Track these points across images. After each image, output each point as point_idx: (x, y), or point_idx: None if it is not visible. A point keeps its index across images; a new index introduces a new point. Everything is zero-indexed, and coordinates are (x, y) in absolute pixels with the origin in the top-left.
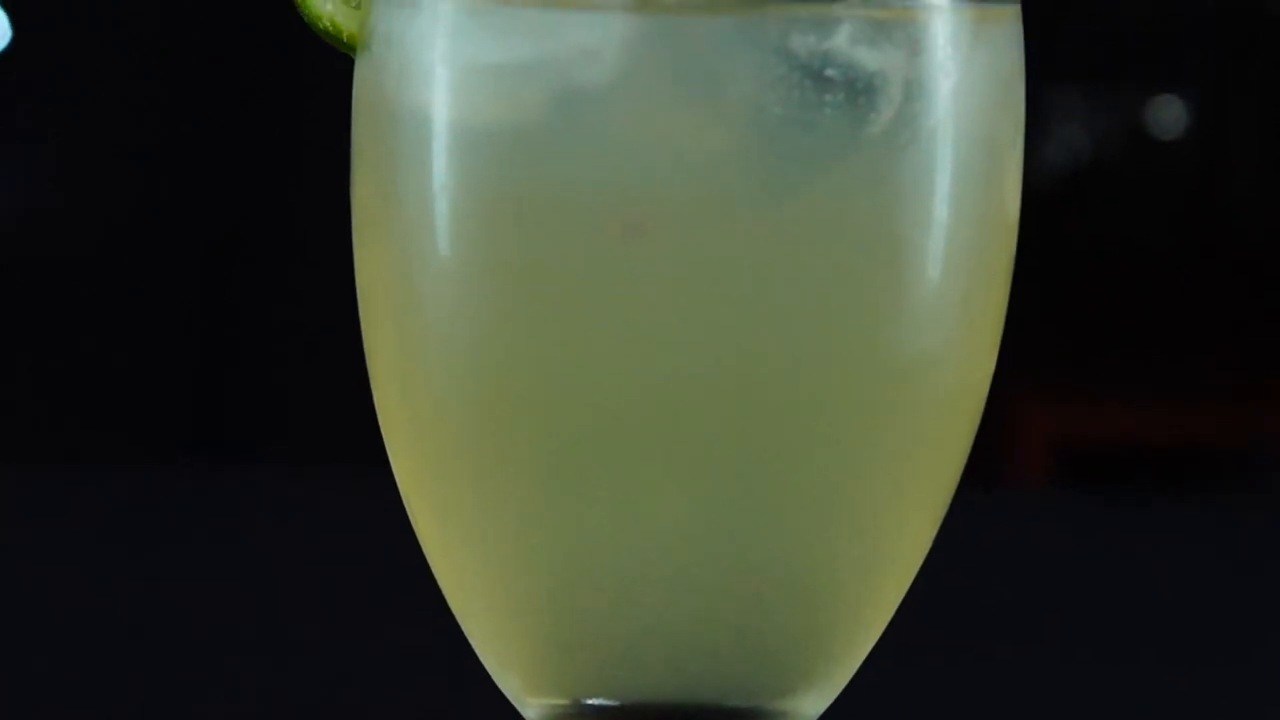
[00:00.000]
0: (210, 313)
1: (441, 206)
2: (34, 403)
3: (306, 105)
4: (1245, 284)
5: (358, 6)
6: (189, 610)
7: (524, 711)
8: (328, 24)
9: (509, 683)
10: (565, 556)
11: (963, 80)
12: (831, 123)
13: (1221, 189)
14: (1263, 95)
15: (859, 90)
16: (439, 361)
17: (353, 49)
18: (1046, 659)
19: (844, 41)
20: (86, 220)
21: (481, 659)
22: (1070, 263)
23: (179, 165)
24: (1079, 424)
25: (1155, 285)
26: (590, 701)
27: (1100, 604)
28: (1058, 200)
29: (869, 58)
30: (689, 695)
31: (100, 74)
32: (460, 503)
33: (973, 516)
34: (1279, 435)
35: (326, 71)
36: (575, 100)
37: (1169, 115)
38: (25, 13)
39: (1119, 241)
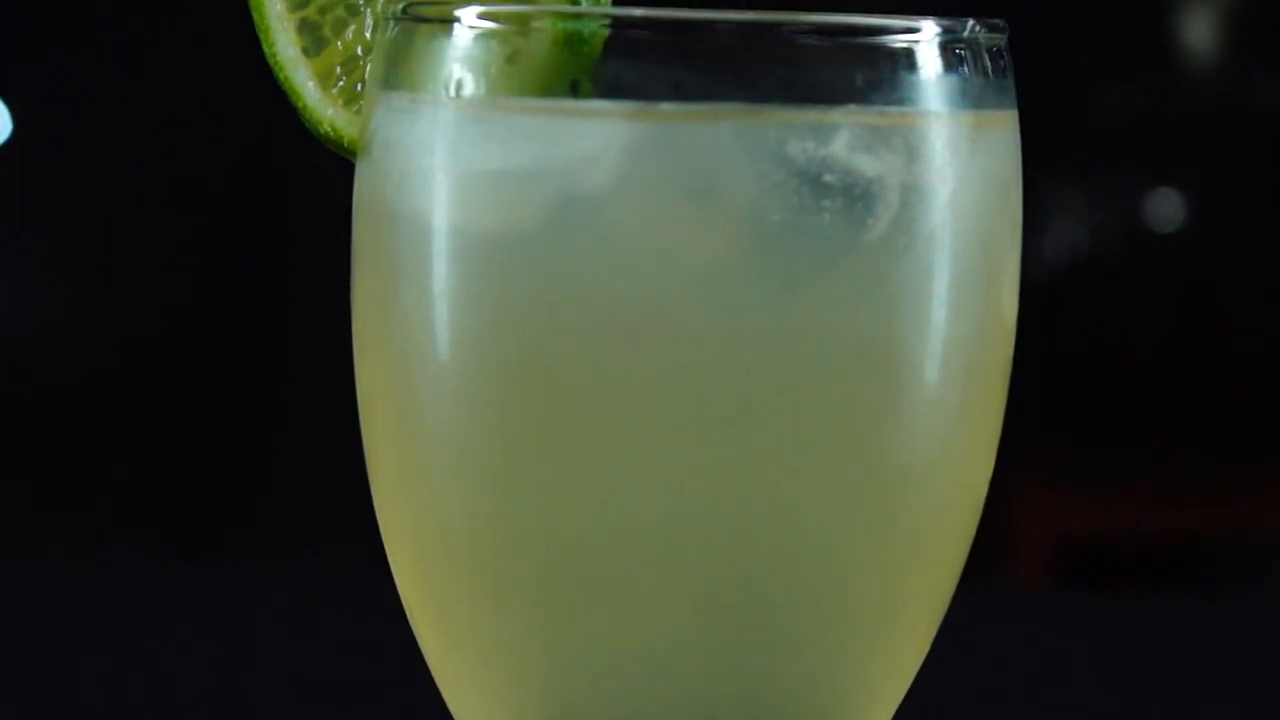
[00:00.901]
0: (210, 420)
1: (441, 311)
2: (34, 503)
3: (306, 209)
4: (1243, 379)
5: (358, 111)
6: (190, 711)
7: None
8: (328, 129)
9: None
10: (565, 663)
11: (960, 186)
12: (830, 228)
13: (1219, 283)
14: (1259, 189)
15: (857, 196)
16: (440, 467)
17: (353, 154)
18: None
19: (842, 147)
20: (86, 327)
21: None
22: (1068, 357)
23: (180, 268)
24: (1078, 519)
25: (1153, 380)
26: None
27: (1101, 701)
28: (1055, 294)
29: (867, 164)
30: None
31: (101, 176)
32: (460, 610)
33: (972, 615)
34: (1278, 530)
35: (327, 175)
36: (575, 206)
37: (1166, 209)
38: (26, 109)
39: (1117, 336)
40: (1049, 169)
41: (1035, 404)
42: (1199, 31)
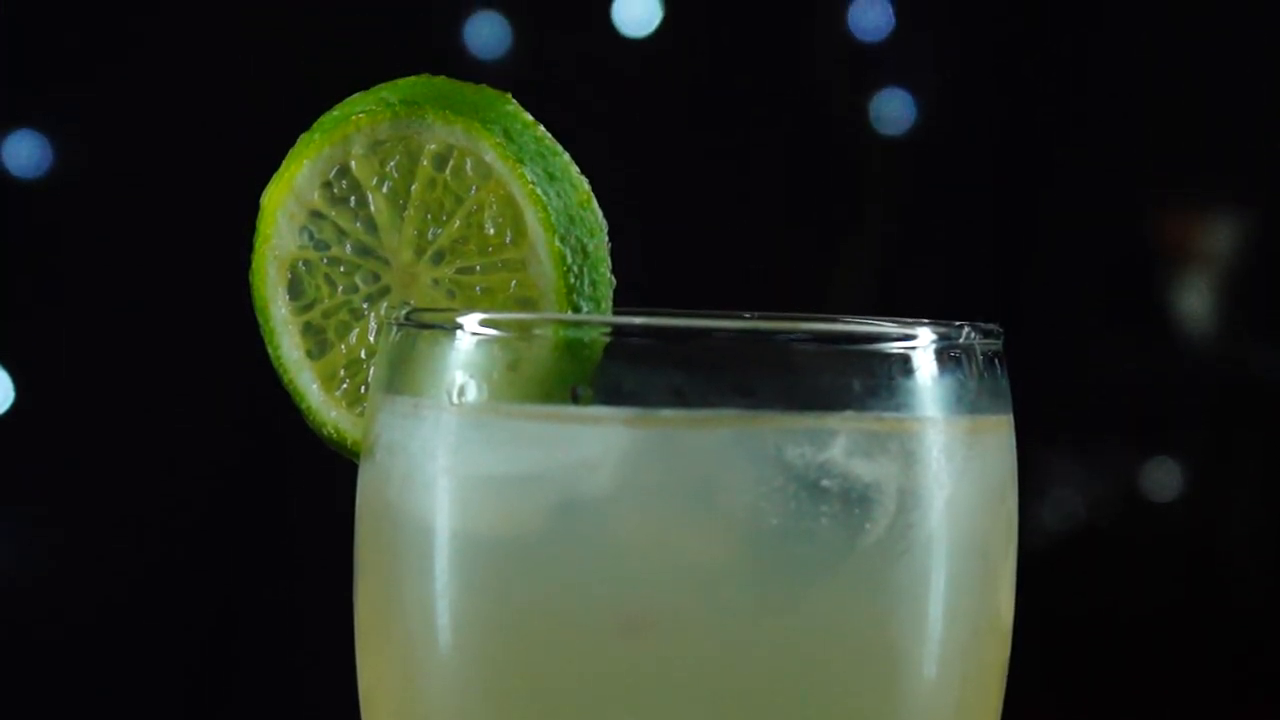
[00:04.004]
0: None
1: (443, 611)
2: None
3: (309, 509)
4: (1242, 646)
5: (361, 414)
6: None
7: None
8: (331, 430)
9: None
10: None
11: (957, 490)
12: (828, 533)
13: (1216, 552)
14: (1256, 457)
15: (854, 500)
16: None
17: (356, 455)
18: None
19: (840, 453)
20: (86, 590)
21: None
22: (1066, 624)
23: (181, 565)
24: None
25: (1151, 647)
26: None
27: None
28: (1053, 562)
29: (864, 469)
30: None
31: (106, 474)
32: None
33: None
34: None
35: (330, 476)
36: (575, 510)
37: (1163, 478)
38: (27, 376)
39: (1114, 603)
40: (1047, 437)
41: (1034, 671)
42: (1195, 302)
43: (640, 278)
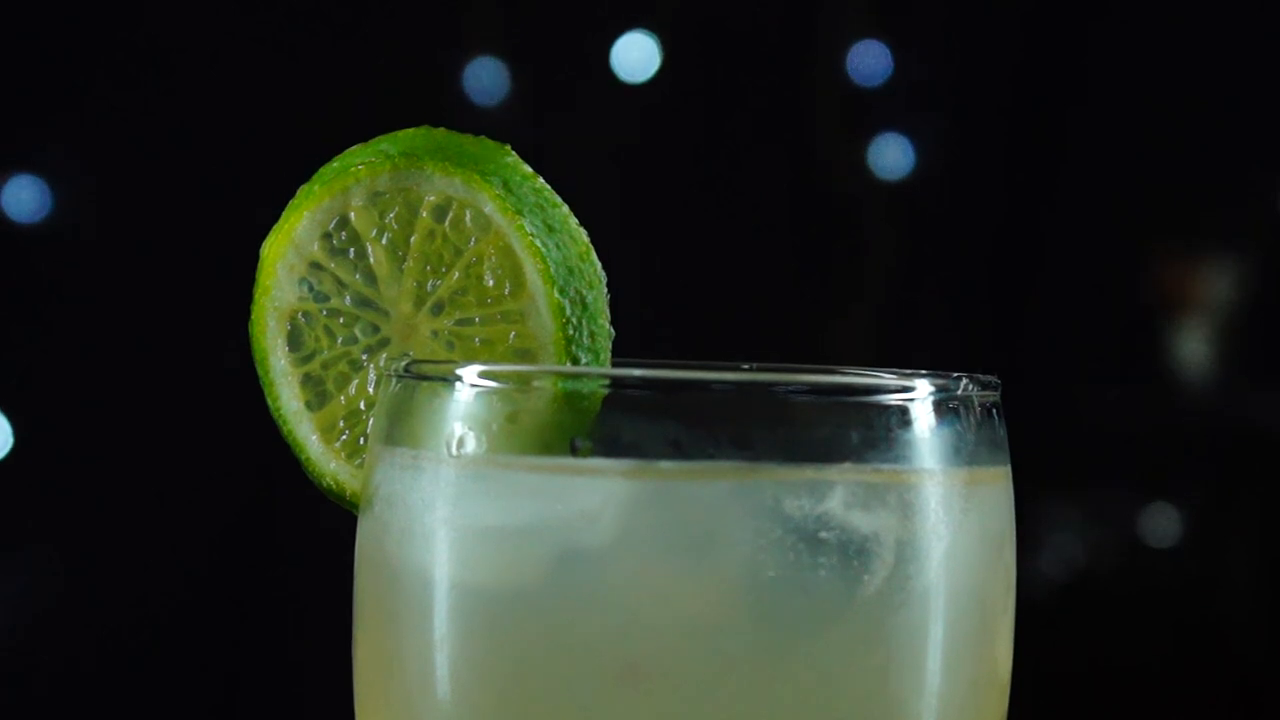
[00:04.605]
0: None
1: (442, 662)
2: None
3: (308, 560)
4: (1242, 694)
5: (360, 465)
6: None
7: None
8: (331, 481)
9: None
10: None
11: (955, 542)
12: (826, 584)
13: (1215, 599)
14: (1255, 504)
15: (853, 552)
16: None
17: (355, 506)
18: None
19: (838, 505)
20: (87, 635)
21: None
22: (1065, 671)
23: (180, 617)
24: None
25: (1150, 695)
26: None
27: None
28: (1053, 609)
29: (862, 520)
30: None
31: (105, 520)
32: None
33: None
34: None
35: (329, 527)
36: (574, 561)
37: (1163, 524)
38: (26, 423)
39: (1113, 650)
40: (1046, 484)
41: (1031, 718)
42: (1194, 349)
43: (638, 328)
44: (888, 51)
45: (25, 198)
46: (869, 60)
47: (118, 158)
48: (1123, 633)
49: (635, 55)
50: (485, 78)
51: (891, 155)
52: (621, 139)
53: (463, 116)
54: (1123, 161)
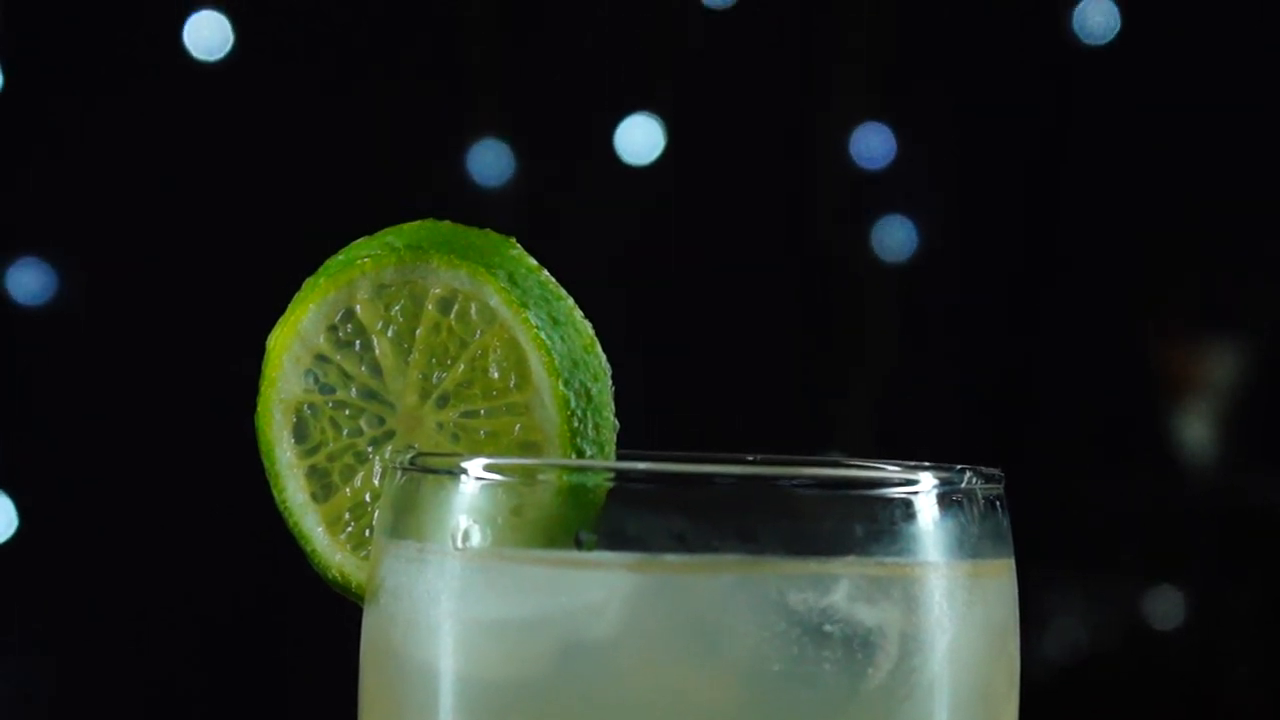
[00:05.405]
0: None
1: None
2: None
3: (313, 653)
4: None
5: (366, 557)
6: None
7: None
8: (336, 574)
9: None
10: None
11: (959, 635)
12: (830, 678)
13: (1218, 681)
14: (1259, 587)
15: (857, 646)
16: None
17: (361, 599)
18: None
19: (842, 598)
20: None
21: None
22: None
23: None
24: None
25: None
26: None
27: None
28: (1056, 691)
29: (867, 614)
30: None
31: (105, 606)
32: None
33: None
34: None
35: (334, 619)
36: (580, 654)
37: (1166, 607)
38: (31, 506)
39: None
40: (1050, 567)
41: None
42: (1196, 432)
43: (643, 419)
44: (890, 134)
45: (29, 280)
46: (873, 143)
47: (123, 246)
48: (1127, 716)
49: (639, 137)
50: (490, 160)
51: (895, 237)
52: (625, 220)
53: (466, 198)
54: (1126, 242)
